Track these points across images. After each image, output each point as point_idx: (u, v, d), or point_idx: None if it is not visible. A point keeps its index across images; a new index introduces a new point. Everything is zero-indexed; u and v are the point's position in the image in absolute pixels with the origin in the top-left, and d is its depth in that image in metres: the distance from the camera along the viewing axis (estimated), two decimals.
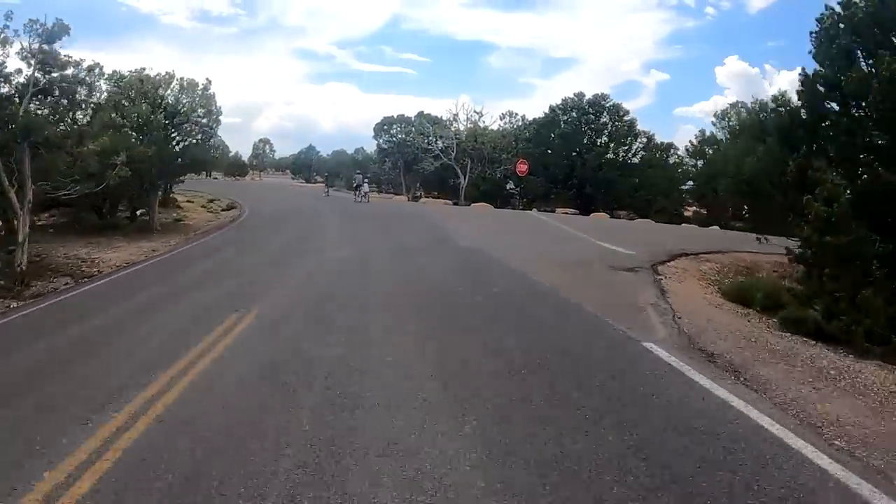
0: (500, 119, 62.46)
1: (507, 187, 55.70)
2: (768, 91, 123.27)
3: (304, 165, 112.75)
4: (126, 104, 23.09)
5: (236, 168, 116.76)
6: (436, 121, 64.17)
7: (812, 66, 12.78)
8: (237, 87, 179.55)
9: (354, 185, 44.45)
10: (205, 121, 28.65)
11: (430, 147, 62.49)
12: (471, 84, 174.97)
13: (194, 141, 28.32)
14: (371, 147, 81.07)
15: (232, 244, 19.34)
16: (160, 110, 25.18)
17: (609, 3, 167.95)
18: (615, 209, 50.57)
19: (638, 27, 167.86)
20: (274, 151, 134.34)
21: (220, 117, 29.85)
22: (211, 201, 35.57)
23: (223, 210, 31.75)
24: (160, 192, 25.86)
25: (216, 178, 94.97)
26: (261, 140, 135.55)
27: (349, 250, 17.26)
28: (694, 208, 54.91)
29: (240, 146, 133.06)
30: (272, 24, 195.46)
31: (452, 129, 61.58)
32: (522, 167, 49.75)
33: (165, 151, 22.56)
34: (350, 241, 19.65)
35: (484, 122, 60.80)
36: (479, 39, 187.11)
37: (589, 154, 53.12)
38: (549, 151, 54.64)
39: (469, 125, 60.07)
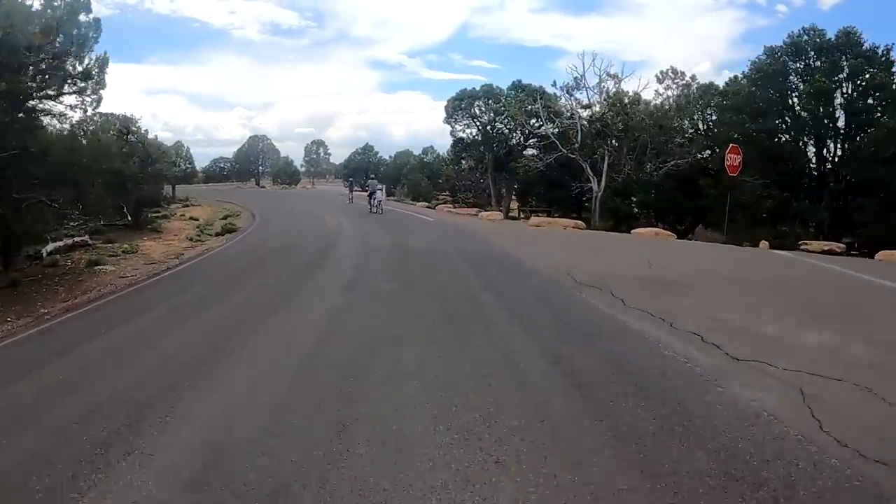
0: (659, 82, 37.84)
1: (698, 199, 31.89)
2: None
3: (360, 170, 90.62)
4: None
5: (286, 176, 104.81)
6: (542, 93, 40.14)
7: None
8: (309, 97, 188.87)
9: (369, 192, 38.73)
10: None
11: (538, 131, 38.97)
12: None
13: None
14: (445, 144, 58.03)
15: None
16: None
17: (678, 4, 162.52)
18: None
19: (709, 27, 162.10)
20: (329, 155, 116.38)
21: None
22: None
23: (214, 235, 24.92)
24: None
25: (263, 188, 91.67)
26: (313, 142, 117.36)
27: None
28: None
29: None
30: (341, 35, 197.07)
31: (573, 102, 37.63)
32: (734, 159, 25.87)
33: None
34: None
35: (628, 90, 36.42)
36: (548, 45, 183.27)
37: (848, 138, 28.19)
38: (761, 133, 29.73)
39: (605, 96, 35.72)
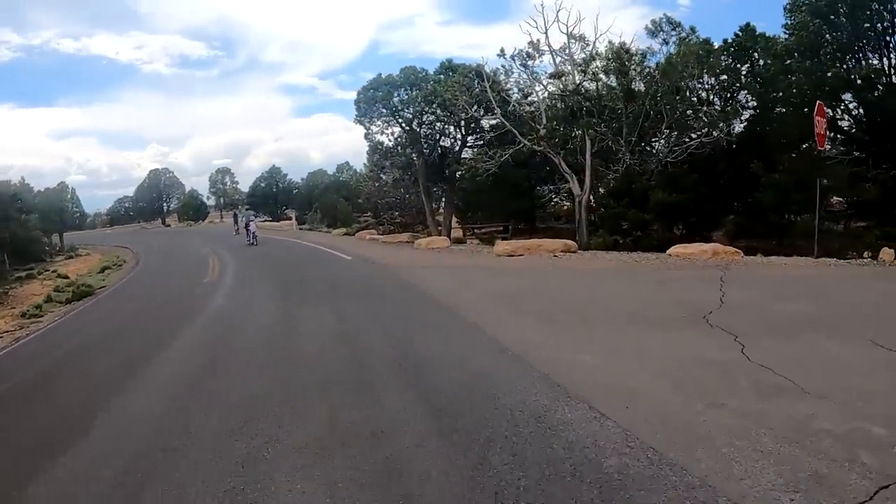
0: (651, 35, 26.88)
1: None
2: None
3: (269, 196, 79.32)
4: None
5: (192, 210, 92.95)
6: (483, 73, 28.85)
7: None
8: (224, 128, 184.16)
9: (244, 223, 34.01)
10: None
11: (484, 119, 28.49)
12: None
13: None
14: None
15: None
16: None
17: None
18: None
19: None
20: (237, 183, 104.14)
21: None
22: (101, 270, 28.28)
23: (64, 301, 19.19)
24: None
25: (169, 226, 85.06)
26: (219, 171, 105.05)
27: None
28: None
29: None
30: (252, 62, 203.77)
31: (529, 74, 26.79)
32: (822, 125, 15.55)
33: None
34: None
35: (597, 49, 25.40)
36: (458, 55, 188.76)
37: None
38: (849, 79, 19.46)
39: (574, 59, 24.76)
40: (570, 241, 19.84)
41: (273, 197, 79.59)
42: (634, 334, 8.01)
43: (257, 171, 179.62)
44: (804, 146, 20.91)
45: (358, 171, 51.63)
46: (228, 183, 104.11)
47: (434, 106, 31.63)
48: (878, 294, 10.07)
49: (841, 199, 20.39)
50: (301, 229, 47.84)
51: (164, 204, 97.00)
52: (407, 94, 32.90)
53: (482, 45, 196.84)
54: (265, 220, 71.23)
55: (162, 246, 38.02)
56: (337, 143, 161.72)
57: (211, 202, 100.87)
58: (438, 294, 12.23)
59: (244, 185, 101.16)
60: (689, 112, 23.11)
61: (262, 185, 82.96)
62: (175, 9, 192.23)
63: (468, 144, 32.76)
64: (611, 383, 6.11)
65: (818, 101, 16.04)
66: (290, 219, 55.61)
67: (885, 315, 8.42)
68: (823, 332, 7.50)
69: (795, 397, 5.42)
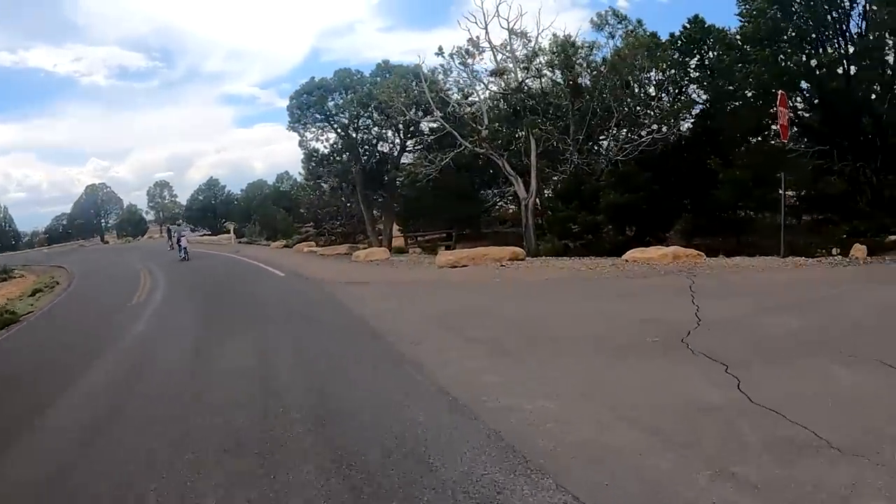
0: (597, 28, 25.52)
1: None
2: None
3: (207, 209, 76.82)
4: None
5: (131, 226, 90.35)
6: (422, 75, 27.23)
7: None
8: (165, 140, 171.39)
9: (176, 238, 34.48)
10: None
11: (423, 121, 26.96)
12: None
13: None
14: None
15: None
16: None
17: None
18: None
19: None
20: (175, 197, 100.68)
21: None
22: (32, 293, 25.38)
23: None
24: None
25: (107, 243, 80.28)
26: (157, 184, 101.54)
27: None
28: None
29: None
30: (193, 72, 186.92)
31: (469, 73, 25.30)
32: (784, 115, 14.73)
33: None
34: None
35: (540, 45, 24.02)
36: (400, 61, 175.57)
37: None
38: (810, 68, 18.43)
39: (516, 56, 23.43)
40: (517, 249, 18.40)
41: (212, 210, 76.93)
42: (603, 367, 6.54)
43: (200, 183, 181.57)
44: (759, 139, 19.93)
45: (298, 180, 49.34)
46: (167, 197, 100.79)
47: (370, 109, 29.96)
48: (870, 300, 8.85)
49: (791, 193, 19.25)
50: (240, 243, 46.10)
51: (103, 220, 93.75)
52: (342, 99, 31.16)
53: (424, 49, 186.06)
54: (204, 235, 68.96)
55: (98, 265, 35.91)
56: (280, 152, 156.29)
57: (150, 217, 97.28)
58: (373, 317, 10.47)
59: (185, 199, 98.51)
60: (638, 108, 21.90)
61: (200, 197, 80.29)
62: (113, 19, 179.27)
63: (408, 149, 31.19)
64: (582, 442, 4.67)
65: (780, 91, 14.90)
66: (228, 232, 53.52)
67: (886, 327, 7.13)
68: (825, 353, 6.27)
69: (824, 457, 4.07)
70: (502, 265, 16.85)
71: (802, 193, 18.61)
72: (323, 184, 35.92)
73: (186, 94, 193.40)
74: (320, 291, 14.92)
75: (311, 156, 34.39)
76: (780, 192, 14.94)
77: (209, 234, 68.01)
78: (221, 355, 8.96)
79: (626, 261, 14.87)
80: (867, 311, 8.10)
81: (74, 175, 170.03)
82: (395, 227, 34.51)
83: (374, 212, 33.30)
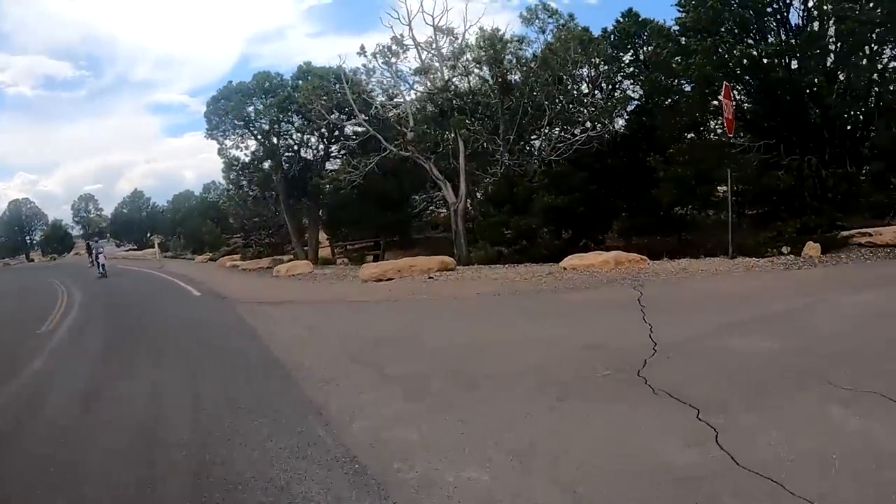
0: (526, 23, 24.35)
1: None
2: None
3: (132, 223, 73.86)
4: None
5: (56, 242, 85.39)
6: (344, 76, 25.65)
7: None
8: (94, 152, 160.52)
9: (94, 254, 31.69)
10: None
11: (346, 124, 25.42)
12: None
13: None
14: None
15: None
16: None
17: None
18: None
19: None
20: (101, 210, 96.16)
21: None
22: None
23: None
24: None
25: (32, 261, 78.56)
26: (81, 198, 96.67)
27: None
28: None
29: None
30: (121, 81, 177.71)
31: (394, 73, 23.81)
32: (729, 108, 13.89)
33: None
34: None
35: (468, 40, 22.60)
36: (331, 66, 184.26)
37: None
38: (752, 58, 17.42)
39: (442, 54, 22.14)
40: (446, 258, 17.01)
41: (138, 223, 73.43)
42: (546, 414, 5.14)
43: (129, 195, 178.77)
44: (697, 134, 19.02)
45: (227, 190, 47.07)
46: (93, 210, 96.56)
47: (290, 114, 28.21)
48: (847, 312, 7.71)
49: (736, 188, 18.31)
50: (165, 257, 44.26)
51: (27, 237, 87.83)
52: (262, 104, 29.30)
53: (350, 54, 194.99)
54: (130, 249, 66.17)
55: (17, 286, 32.73)
56: (210, 161, 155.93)
57: (76, 232, 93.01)
58: (283, 348, 8.83)
59: (111, 211, 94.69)
60: (571, 105, 20.74)
61: (125, 210, 76.93)
62: (39, 27, 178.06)
63: (332, 155, 29.45)
64: None
65: (725, 83, 13.89)
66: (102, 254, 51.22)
67: (873, 345, 5.95)
68: (814, 385, 5.12)
69: None
70: (430, 277, 15.46)
71: (748, 189, 17.71)
72: (249, 193, 33.96)
73: (115, 103, 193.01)
74: (232, 314, 13.03)
75: (231, 165, 32.36)
76: (727, 189, 14.05)
77: (135, 249, 65.13)
78: (111, 401, 7.10)
79: (565, 269, 13.66)
80: (846, 326, 6.91)
81: (1, 190, 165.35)
82: (326, 236, 32.85)
83: (305, 220, 31.51)
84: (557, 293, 11.26)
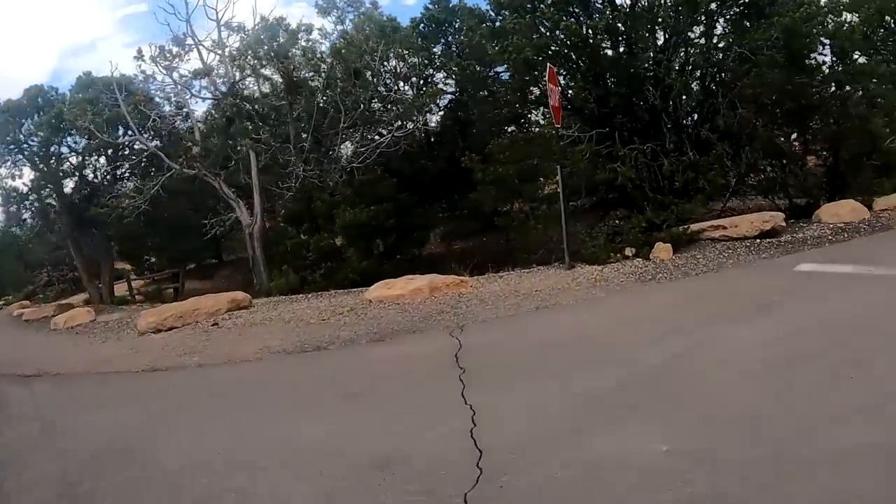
0: (323, 14, 21.79)
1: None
2: None
3: None
4: None
5: None
6: (127, 85, 22.15)
7: None
8: None
9: None
10: None
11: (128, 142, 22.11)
12: None
13: None
14: None
15: None
16: None
17: None
18: None
19: None
20: None
21: None
22: None
23: None
24: None
25: None
26: None
27: None
28: None
29: None
30: None
31: (177, 78, 20.50)
32: (555, 95, 11.92)
33: None
34: None
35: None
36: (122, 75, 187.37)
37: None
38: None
39: (231, 54, 19.22)
40: (238, 294, 14.04)
41: None
42: None
43: None
44: (519, 127, 17.25)
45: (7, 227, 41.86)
46: None
47: (66, 133, 24.34)
48: (742, 356, 5.37)
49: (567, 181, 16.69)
50: None
51: None
52: (33, 124, 25.17)
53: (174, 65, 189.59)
54: None
55: None
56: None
57: None
58: None
59: None
60: (374, 103, 18.39)
61: None
62: None
63: (123, 176, 25.76)
64: None
65: (549, 66, 11.85)
66: None
67: (807, 419, 3.80)
68: None
69: None
70: (215, 323, 12.48)
71: (581, 185, 16.10)
72: (33, 228, 29.57)
73: None
74: None
75: (10, 196, 27.89)
76: (557, 186, 12.13)
77: None
78: None
79: (371, 302, 11.19)
80: (755, 391, 4.55)
81: None
82: (131, 268, 29.14)
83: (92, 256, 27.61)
84: (356, 346, 8.43)
